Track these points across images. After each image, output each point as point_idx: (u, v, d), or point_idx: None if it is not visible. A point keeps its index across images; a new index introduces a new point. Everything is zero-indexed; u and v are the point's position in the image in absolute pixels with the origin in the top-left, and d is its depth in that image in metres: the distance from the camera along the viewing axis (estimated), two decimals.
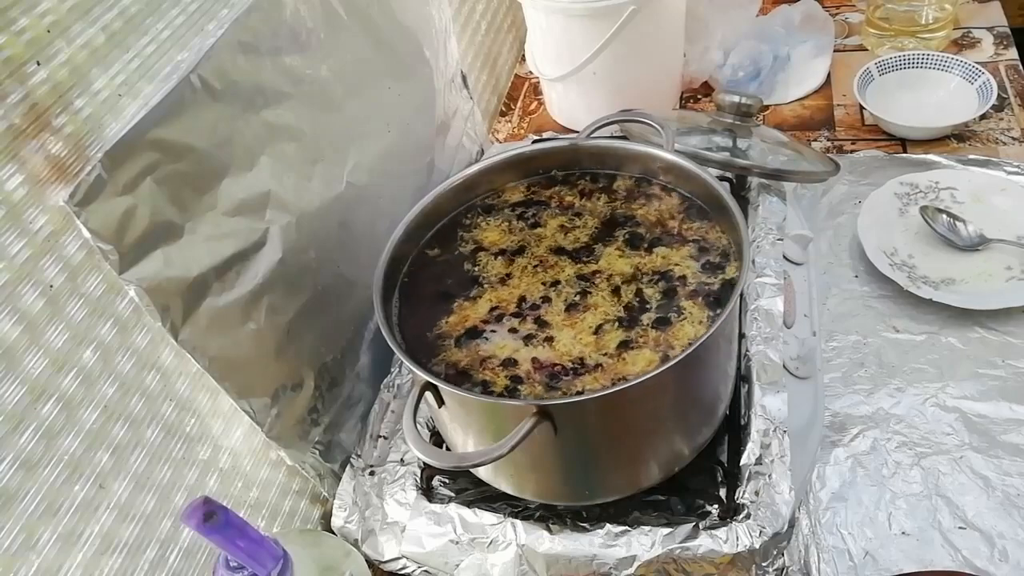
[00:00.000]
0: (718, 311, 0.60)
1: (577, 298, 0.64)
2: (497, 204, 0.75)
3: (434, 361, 0.62)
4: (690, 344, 0.58)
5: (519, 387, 0.59)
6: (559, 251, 0.69)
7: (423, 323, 0.65)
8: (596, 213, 0.71)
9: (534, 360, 0.60)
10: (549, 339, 0.62)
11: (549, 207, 0.73)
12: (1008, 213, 0.89)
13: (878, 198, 0.93)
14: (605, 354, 0.60)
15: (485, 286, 0.67)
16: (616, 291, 0.64)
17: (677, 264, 0.65)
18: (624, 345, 0.60)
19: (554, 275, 0.66)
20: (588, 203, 0.73)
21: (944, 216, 0.89)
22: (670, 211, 0.69)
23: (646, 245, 0.67)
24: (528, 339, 0.62)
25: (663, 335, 0.60)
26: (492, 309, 0.65)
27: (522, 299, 0.65)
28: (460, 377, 0.61)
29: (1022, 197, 0.90)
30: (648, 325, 0.61)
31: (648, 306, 0.62)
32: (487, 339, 0.63)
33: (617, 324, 0.61)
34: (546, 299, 0.65)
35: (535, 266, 0.68)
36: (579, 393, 0.57)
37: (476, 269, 0.69)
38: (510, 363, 0.61)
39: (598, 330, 0.61)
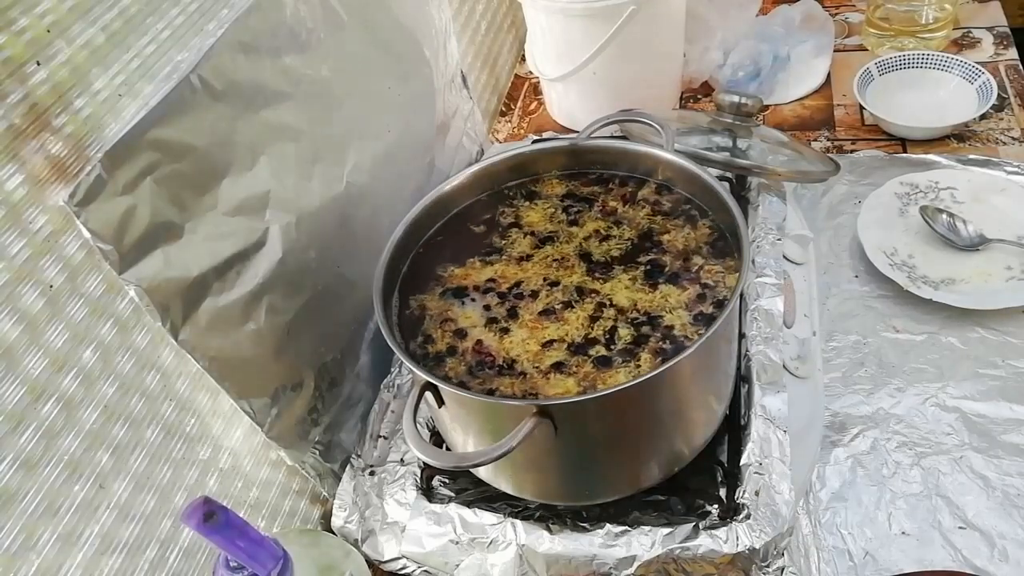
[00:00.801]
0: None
1: (558, 307, 0.64)
2: (542, 192, 0.75)
3: (415, 298, 0.67)
4: (691, 343, 0.58)
5: (448, 359, 0.62)
6: (584, 256, 0.68)
7: (437, 260, 0.70)
8: (635, 225, 0.70)
9: (477, 342, 0.63)
10: (505, 330, 0.63)
11: (591, 208, 0.72)
12: (1008, 213, 0.89)
13: (878, 198, 0.93)
14: (536, 367, 0.60)
15: (503, 257, 0.69)
16: (595, 319, 0.63)
17: (671, 312, 0.62)
18: (556, 367, 0.60)
19: (561, 276, 0.66)
20: (631, 211, 0.71)
21: (944, 216, 0.89)
22: (699, 241, 0.67)
23: (660, 279, 0.64)
24: (491, 322, 0.64)
25: (595, 373, 0.59)
26: (489, 280, 0.67)
27: (518, 284, 0.66)
28: (417, 322, 0.65)
29: (1022, 197, 0.90)
30: (591, 358, 0.60)
31: (612, 346, 0.60)
32: (463, 304, 0.66)
33: (567, 346, 0.61)
34: (535, 294, 0.65)
35: (554, 260, 0.68)
36: (491, 392, 0.58)
37: (504, 243, 0.71)
38: (460, 333, 0.64)
39: (548, 344, 0.61)
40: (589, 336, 0.61)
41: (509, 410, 0.56)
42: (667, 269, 0.65)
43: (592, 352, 0.60)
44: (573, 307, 0.64)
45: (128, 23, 0.53)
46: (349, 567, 0.60)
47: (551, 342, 0.61)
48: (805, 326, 0.78)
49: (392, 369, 0.78)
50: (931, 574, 0.63)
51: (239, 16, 0.60)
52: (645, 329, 0.61)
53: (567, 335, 0.62)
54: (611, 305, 0.63)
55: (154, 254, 0.53)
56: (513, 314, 0.64)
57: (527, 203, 0.74)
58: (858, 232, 0.89)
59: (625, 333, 0.61)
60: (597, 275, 0.66)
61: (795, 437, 0.64)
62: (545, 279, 0.66)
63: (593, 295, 0.64)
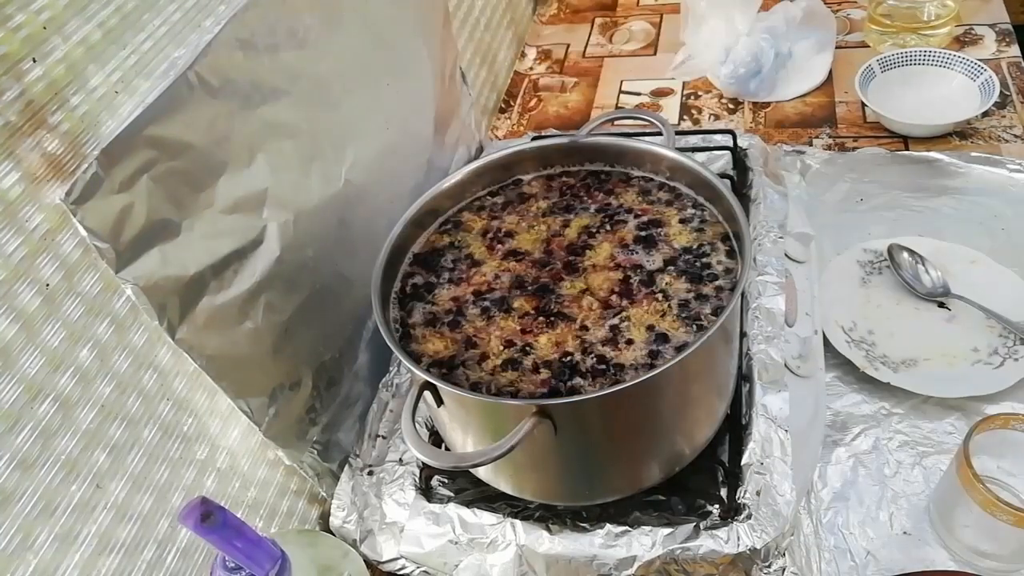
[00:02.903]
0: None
1: (503, 275, 0.67)
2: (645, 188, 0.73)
3: (557, 178, 0.75)
4: (691, 344, 0.57)
5: (454, 233, 0.71)
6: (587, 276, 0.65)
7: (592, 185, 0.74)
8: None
9: (470, 257, 0.69)
10: (476, 265, 0.68)
11: (655, 285, 0.64)
12: (977, 286, 0.82)
13: (838, 268, 0.87)
14: (455, 302, 0.65)
15: (572, 216, 0.71)
16: (509, 309, 0.63)
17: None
18: (456, 311, 0.64)
19: (536, 264, 0.67)
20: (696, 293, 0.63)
21: (907, 255, 0.85)
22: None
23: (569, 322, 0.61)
24: (491, 242, 0.70)
25: (454, 344, 0.62)
26: (532, 226, 0.71)
27: (528, 253, 0.68)
28: (505, 209, 0.73)
29: (991, 274, 0.83)
30: (460, 323, 0.63)
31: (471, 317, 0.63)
32: (522, 217, 0.72)
33: (474, 291, 0.65)
34: (515, 254, 0.68)
35: (576, 270, 0.66)
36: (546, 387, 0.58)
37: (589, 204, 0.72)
38: (498, 235, 0.70)
39: (479, 296, 0.65)
40: (483, 295, 0.65)
41: (509, 410, 0.56)
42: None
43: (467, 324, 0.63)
44: (507, 296, 0.65)
45: (125, 20, 0.52)
46: (347, 567, 0.60)
47: (482, 295, 0.65)
48: (807, 325, 0.78)
49: (391, 368, 0.78)
50: (932, 574, 0.63)
51: (237, 12, 0.59)
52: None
53: (482, 285, 0.66)
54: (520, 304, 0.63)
55: (151, 252, 0.52)
56: (492, 246, 0.69)
57: (632, 193, 0.72)
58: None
59: (505, 325, 0.62)
60: (553, 302, 0.63)
61: (796, 436, 0.64)
62: (535, 262, 0.67)
63: (556, 301, 0.63)
